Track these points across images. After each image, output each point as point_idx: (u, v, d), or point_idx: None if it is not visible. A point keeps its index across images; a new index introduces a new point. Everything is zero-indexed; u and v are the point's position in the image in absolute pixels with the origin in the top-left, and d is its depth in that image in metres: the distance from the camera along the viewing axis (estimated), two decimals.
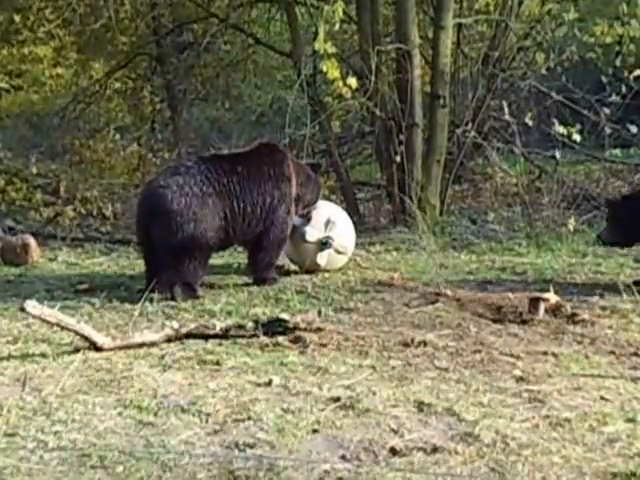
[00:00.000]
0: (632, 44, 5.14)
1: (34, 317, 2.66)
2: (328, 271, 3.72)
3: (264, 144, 3.69)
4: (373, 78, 4.62)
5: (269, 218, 3.40)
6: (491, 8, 5.53)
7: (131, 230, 4.62)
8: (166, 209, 3.23)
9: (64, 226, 5.18)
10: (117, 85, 7.12)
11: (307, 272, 3.67)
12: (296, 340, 2.71)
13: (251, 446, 1.94)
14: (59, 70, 7.27)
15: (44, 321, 2.67)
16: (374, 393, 2.25)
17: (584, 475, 1.80)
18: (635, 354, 2.60)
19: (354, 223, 3.99)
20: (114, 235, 5.03)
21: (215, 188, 3.30)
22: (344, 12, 4.42)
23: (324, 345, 2.67)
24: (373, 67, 4.62)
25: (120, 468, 1.84)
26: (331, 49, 4.14)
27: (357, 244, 4.00)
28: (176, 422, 2.08)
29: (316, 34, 4.33)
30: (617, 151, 5.42)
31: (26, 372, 2.43)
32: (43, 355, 2.61)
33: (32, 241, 4.22)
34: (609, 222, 3.54)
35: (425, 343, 2.67)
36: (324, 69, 4.24)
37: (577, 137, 4.81)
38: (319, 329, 2.78)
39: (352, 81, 4.30)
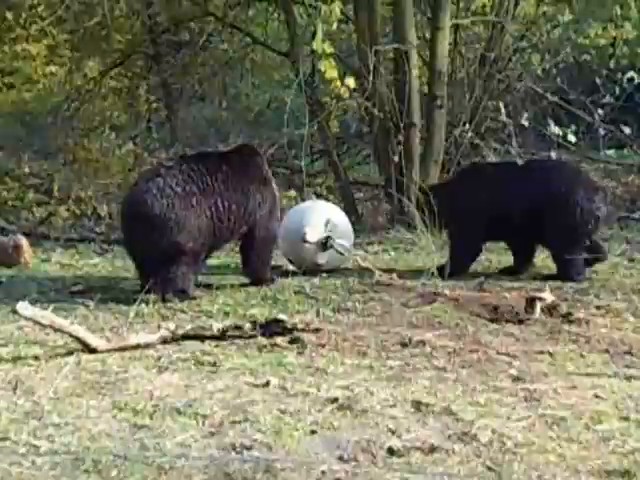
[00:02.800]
0: (625, 46, 5.17)
1: (26, 319, 2.62)
2: (327, 271, 3.71)
3: (244, 145, 3.71)
4: (371, 78, 4.60)
5: (251, 219, 3.36)
6: (487, 9, 5.55)
7: None
8: (149, 215, 3.17)
9: (57, 226, 5.12)
10: (112, 84, 7.06)
11: (305, 273, 3.65)
12: (294, 341, 2.70)
13: (248, 448, 1.92)
14: (52, 68, 7.17)
15: (37, 323, 2.63)
16: (372, 393, 2.24)
17: (579, 473, 1.79)
18: (629, 352, 2.61)
19: (352, 223, 3.98)
20: (109, 235, 4.96)
21: (199, 187, 3.26)
22: (342, 12, 4.41)
23: (322, 346, 2.65)
24: (371, 67, 4.61)
25: (114, 472, 1.82)
26: (329, 49, 4.12)
27: (355, 244, 3.99)
28: (172, 424, 2.06)
29: (314, 34, 4.32)
30: (611, 152, 5.46)
31: (18, 375, 2.40)
32: (36, 357, 2.57)
33: (24, 242, 4.14)
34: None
35: (423, 343, 2.67)
36: (322, 69, 4.23)
37: (572, 138, 4.83)
38: (317, 329, 2.77)
39: (350, 81, 4.28)
